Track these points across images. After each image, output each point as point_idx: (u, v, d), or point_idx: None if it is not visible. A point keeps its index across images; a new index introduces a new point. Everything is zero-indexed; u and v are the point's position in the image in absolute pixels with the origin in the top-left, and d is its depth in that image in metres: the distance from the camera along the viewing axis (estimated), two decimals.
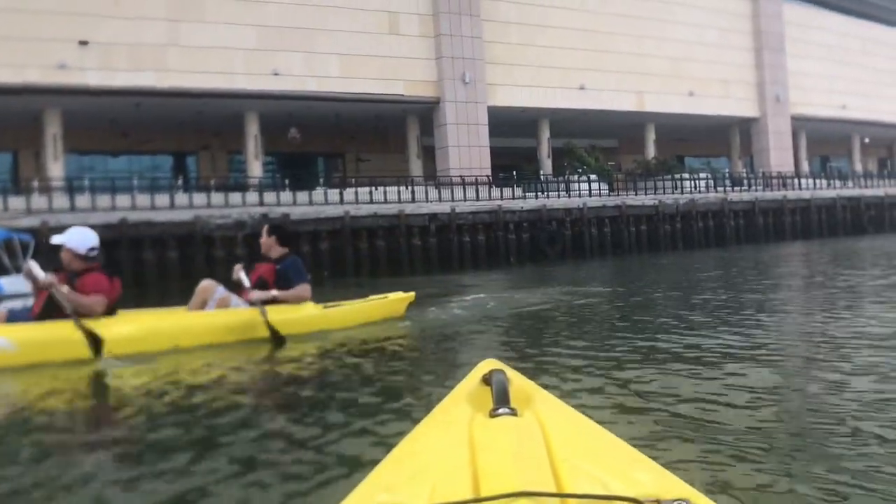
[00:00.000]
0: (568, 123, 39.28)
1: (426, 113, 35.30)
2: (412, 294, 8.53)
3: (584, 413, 1.63)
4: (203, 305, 7.41)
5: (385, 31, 33.56)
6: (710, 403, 4.04)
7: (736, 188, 39.46)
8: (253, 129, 32.29)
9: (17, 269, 16.36)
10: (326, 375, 5.89)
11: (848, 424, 3.48)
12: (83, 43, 27.73)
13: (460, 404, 1.55)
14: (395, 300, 8.49)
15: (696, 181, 38.59)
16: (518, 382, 1.62)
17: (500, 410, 1.42)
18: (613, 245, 32.27)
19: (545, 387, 1.78)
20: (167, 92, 28.97)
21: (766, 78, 44.93)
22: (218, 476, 3.13)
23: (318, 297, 8.16)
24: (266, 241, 8.12)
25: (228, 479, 3.10)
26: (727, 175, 42.25)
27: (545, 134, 39.03)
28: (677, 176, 38.38)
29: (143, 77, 28.48)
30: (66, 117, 29.09)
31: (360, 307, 8.28)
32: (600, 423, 1.56)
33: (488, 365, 1.68)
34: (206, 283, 7.53)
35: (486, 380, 1.58)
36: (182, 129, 34.21)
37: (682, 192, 36.65)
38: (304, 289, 7.66)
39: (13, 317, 7.07)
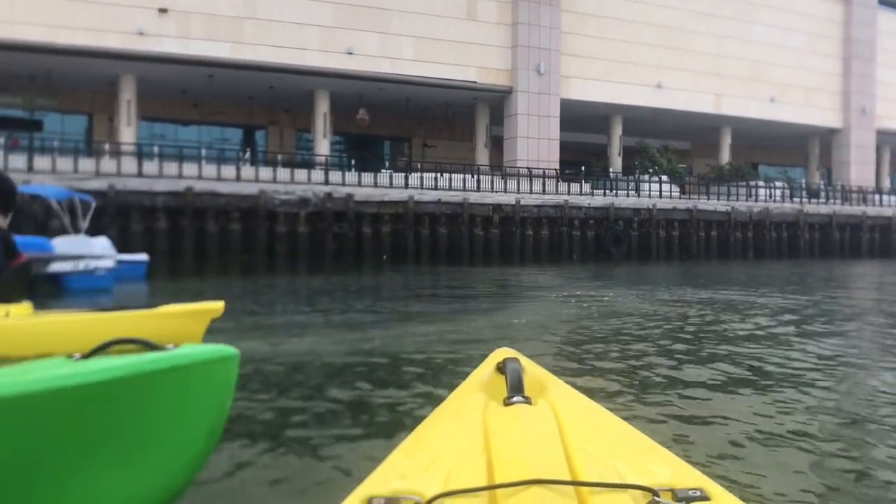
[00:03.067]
0: (641, 122, 38.28)
1: (497, 102, 34.73)
2: (217, 305, 5.38)
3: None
4: None
5: (462, 16, 33.07)
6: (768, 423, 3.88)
7: (812, 200, 38.01)
8: (323, 108, 32.17)
9: (77, 230, 16.43)
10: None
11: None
12: (162, 11, 27.91)
13: (475, 392, 1.56)
14: (180, 314, 5.06)
15: (772, 190, 37.24)
16: (532, 371, 1.63)
17: (515, 398, 1.44)
18: (681, 249, 31.38)
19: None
20: (241, 64, 29.00)
21: (853, 88, 43.04)
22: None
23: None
24: None
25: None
26: (804, 186, 40.68)
27: (617, 131, 38.10)
28: (752, 183, 37.10)
29: (219, 48, 28.55)
30: (140, 84, 29.36)
31: (97, 320, 4.80)
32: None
33: (502, 353, 1.70)
34: None
35: (501, 368, 1.61)
36: (252, 104, 34.32)
37: (755, 200, 35.43)
38: None
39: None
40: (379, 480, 1.15)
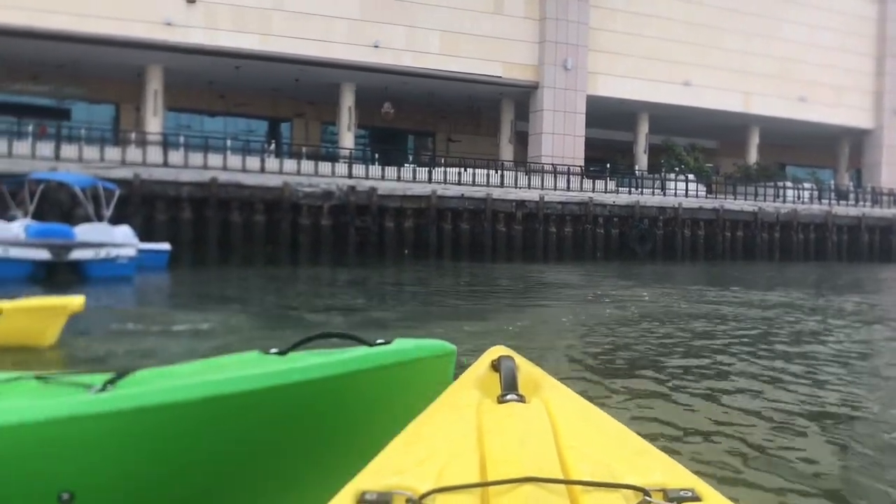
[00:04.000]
0: (668, 119, 37.85)
1: (522, 97, 34.50)
2: (77, 301, 5.00)
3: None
4: None
5: (489, 11, 32.86)
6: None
7: (842, 202, 37.44)
8: (348, 101, 32.13)
9: (100, 218, 16.46)
10: None
11: None
12: (190, 1, 27.97)
13: (469, 389, 1.55)
14: (38, 308, 4.68)
15: (800, 191, 36.71)
16: (526, 369, 1.63)
17: (508, 396, 1.44)
18: (706, 249, 31.05)
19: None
20: (267, 56, 28.99)
21: (887, 87, 42.21)
22: None
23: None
24: None
25: None
26: (832, 187, 40.07)
27: (643, 128, 37.73)
28: (780, 183, 36.59)
29: (246, 39, 28.58)
30: (167, 75, 29.46)
31: None
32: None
33: (497, 351, 1.70)
34: None
35: (495, 366, 1.61)
36: (278, 96, 34.34)
37: (783, 201, 34.95)
38: None
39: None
40: (372, 475, 1.15)
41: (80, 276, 13.90)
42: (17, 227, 14.73)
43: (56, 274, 13.62)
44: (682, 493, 1.06)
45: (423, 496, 1.05)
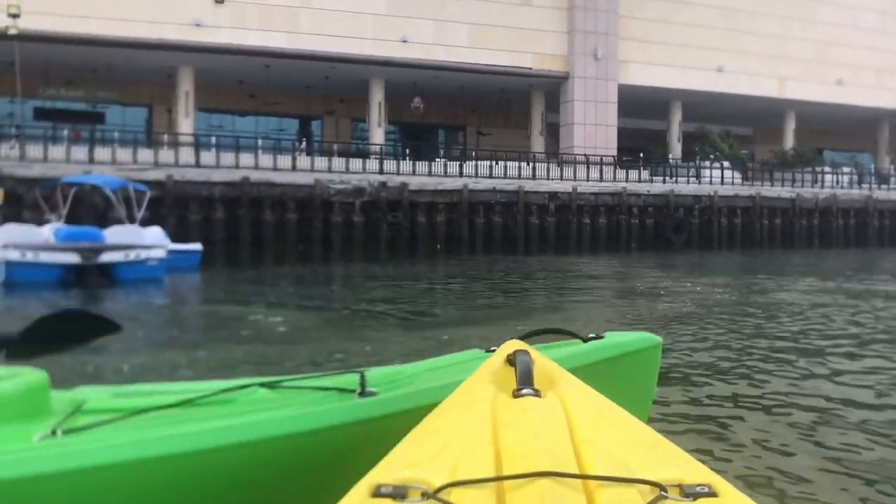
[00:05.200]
0: (701, 107, 37.26)
1: (553, 88, 34.18)
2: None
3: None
4: None
5: (517, 2, 32.59)
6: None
7: (882, 186, 36.57)
8: (377, 97, 32.10)
9: (132, 220, 16.51)
10: None
11: None
12: (218, 1, 28.16)
13: (484, 384, 1.55)
14: None
15: (839, 176, 35.91)
16: (542, 364, 1.62)
17: (524, 391, 1.44)
18: (744, 237, 30.53)
19: None
20: (296, 54, 29.07)
21: None
22: None
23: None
24: None
25: None
26: (872, 171, 39.14)
27: (677, 116, 37.19)
28: (818, 169, 35.83)
29: (274, 37, 28.69)
30: (197, 76, 29.68)
31: None
32: None
33: (513, 346, 1.70)
34: None
35: (511, 360, 1.61)
36: (308, 94, 34.40)
37: (822, 187, 34.23)
38: None
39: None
40: (387, 469, 1.15)
41: (110, 279, 13.85)
42: (47, 231, 14.78)
43: (86, 277, 13.57)
44: (698, 488, 1.04)
45: (439, 490, 1.04)
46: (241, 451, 1.59)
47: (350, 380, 1.97)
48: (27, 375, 1.77)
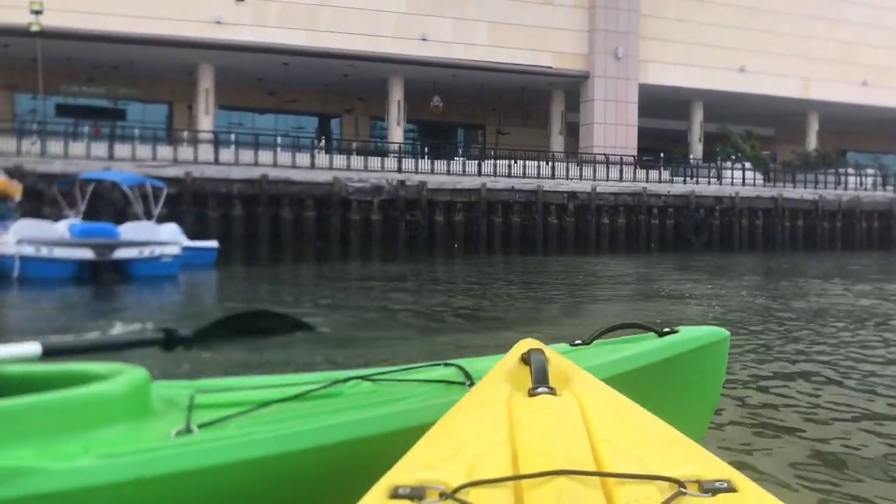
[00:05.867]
0: (723, 107, 36.92)
1: (572, 87, 34.00)
2: None
3: None
4: None
5: (538, 0, 32.43)
6: None
7: None
8: (397, 95, 32.06)
9: (149, 216, 16.51)
10: None
11: None
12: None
13: (499, 383, 1.55)
14: None
15: (863, 177, 35.44)
16: (557, 362, 1.61)
17: (539, 389, 1.44)
18: (765, 239, 30.20)
19: None
20: (316, 52, 29.10)
21: None
22: None
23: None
24: None
25: None
26: None
27: (698, 116, 36.88)
28: (841, 170, 35.37)
29: (294, 35, 28.73)
30: (218, 73, 29.80)
31: None
32: None
33: (527, 344, 1.70)
34: None
35: (525, 359, 1.61)
36: (327, 91, 34.45)
37: (845, 188, 33.80)
38: None
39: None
40: (404, 470, 1.14)
41: (124, 276, 13.79)
42: (62, 227, 14.80)
43: (100, 273, 13.53)
44: (717, 484, 1.03)
45: (456, 490, 1.04)
46: (381, 440, 1.63)
47: (449, 372, 2.01)
48: (130, 372, 1.78)
